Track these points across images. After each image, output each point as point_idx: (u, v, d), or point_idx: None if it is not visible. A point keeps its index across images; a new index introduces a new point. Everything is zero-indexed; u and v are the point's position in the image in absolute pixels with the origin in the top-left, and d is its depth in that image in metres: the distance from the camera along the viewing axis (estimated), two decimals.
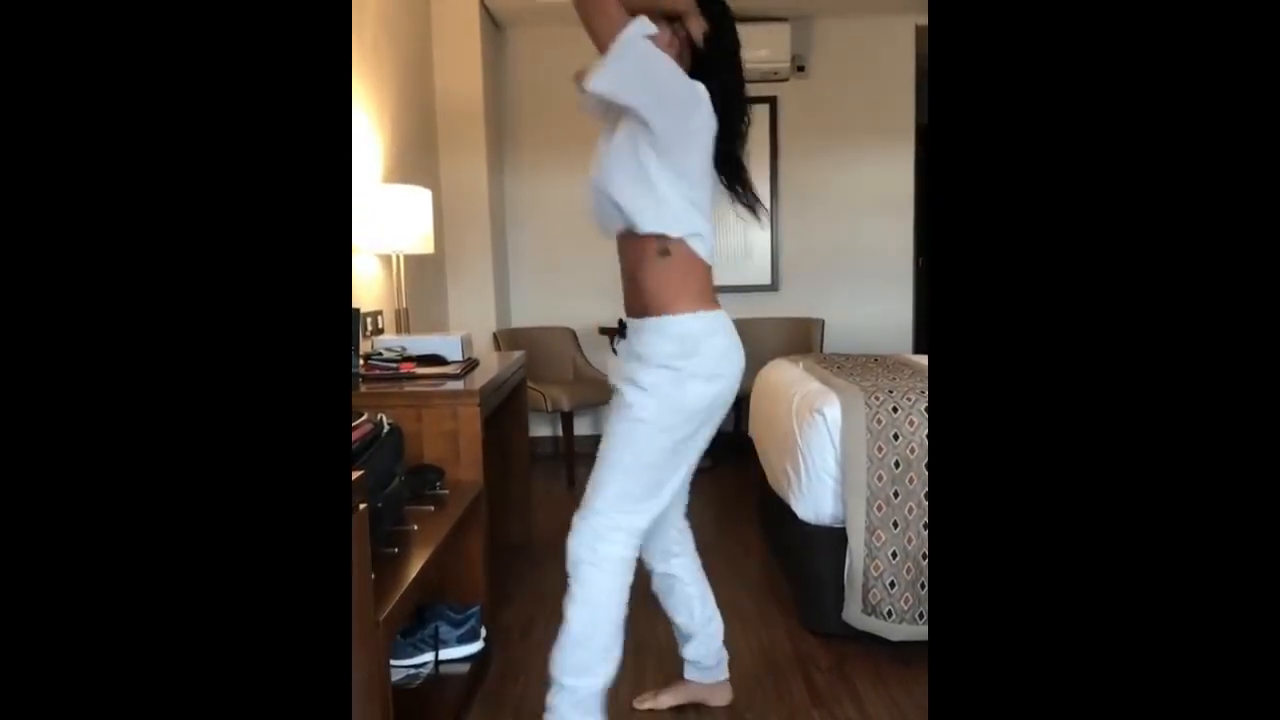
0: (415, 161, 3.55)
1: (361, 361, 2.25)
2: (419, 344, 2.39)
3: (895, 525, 2.05)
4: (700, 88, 1.47)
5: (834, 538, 2.13)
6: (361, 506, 1.24)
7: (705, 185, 1.54)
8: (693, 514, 1.80)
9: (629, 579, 1.59)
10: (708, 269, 1.57)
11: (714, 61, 1.54)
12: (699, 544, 1.85)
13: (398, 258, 2.94)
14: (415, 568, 1.54)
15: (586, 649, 1.56)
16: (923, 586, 2.05)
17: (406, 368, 2.26)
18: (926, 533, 2.05)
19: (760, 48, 4.15)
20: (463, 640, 2.00)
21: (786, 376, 2.66)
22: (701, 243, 1.53)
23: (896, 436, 2.06)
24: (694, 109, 1.46)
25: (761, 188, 4.51)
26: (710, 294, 1.58)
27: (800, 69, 4.39)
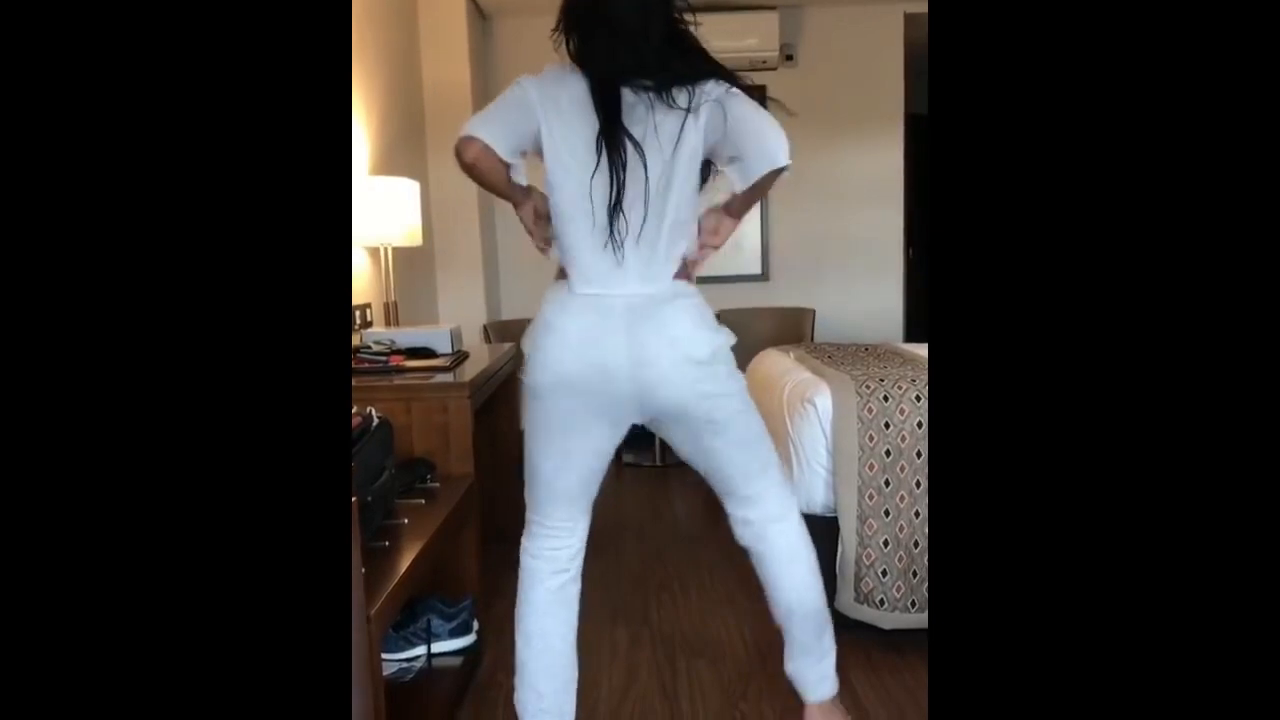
0: (403, 153, 3.52)
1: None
2: (408, 336, 2.38)
3: (887, 514, 2.06)
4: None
5: (826, 527, 2.13)
6: (351, 500, 1.23)
7: None
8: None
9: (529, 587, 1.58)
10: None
11: None
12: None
13: (386, 250, 2.92)
14: (406, 561, 1.53)
15: None
16: (915, 575, 2.06)
17: (396, 360, 2.24)
18: (918, 521, 2.05)
19: (749, 36, 4.14)
20: (455, 633, 1.99)
21: (777, 366, 2.66)
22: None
23: (888, 425, 2.06)
24: None
25: None
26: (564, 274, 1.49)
27: (789, 58, 4.37)
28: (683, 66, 1.40)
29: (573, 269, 1.46)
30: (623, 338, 1.41)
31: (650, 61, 1.38)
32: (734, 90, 1.41)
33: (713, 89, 1.40)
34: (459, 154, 1.41)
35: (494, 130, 1.41)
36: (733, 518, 1.62)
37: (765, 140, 1.40)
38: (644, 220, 1.41)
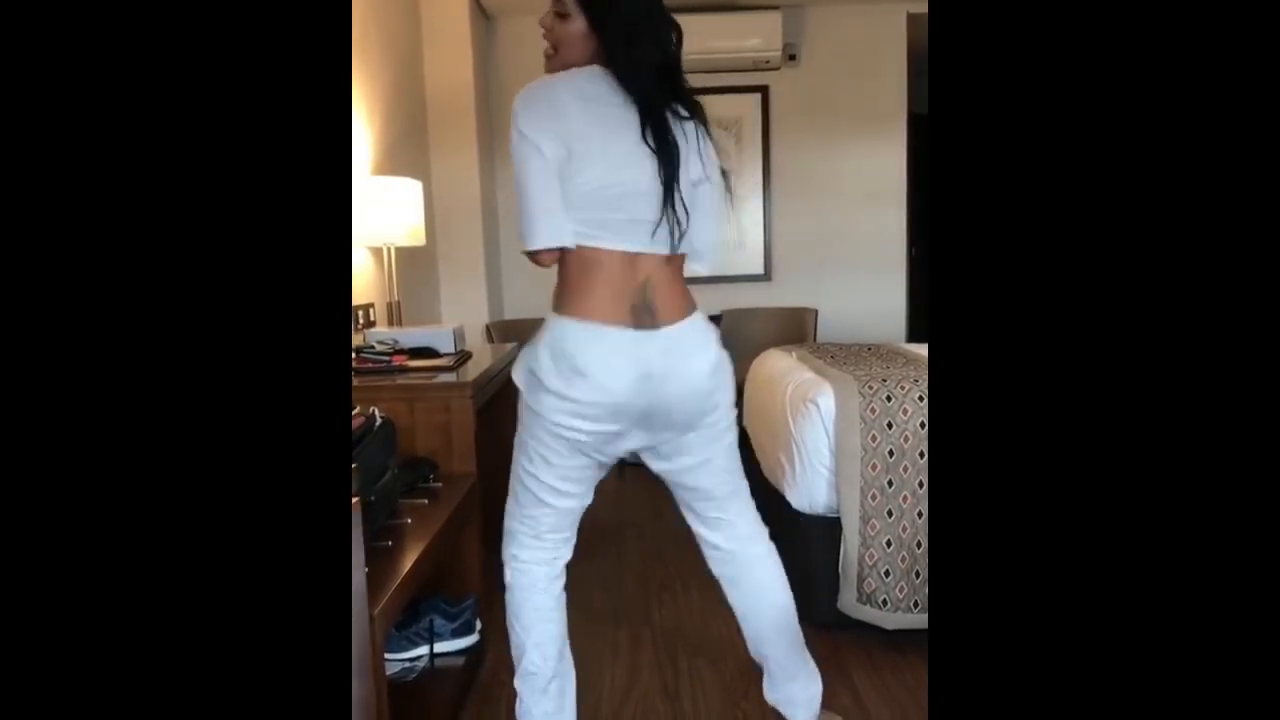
0: (406, 153, 3.52)
1: (353, 354, 2.24)
2: (411, 336, 2.38)
3: (889, 514, 2.06)
4: None
5: (828, 527, 2.13)
6: (354, 500, 1.24)
7: None
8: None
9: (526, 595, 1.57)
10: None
11: None
12: (692, 533, 1.83)
13: (389, 250, 2.93)
14: (409, 561, 1.53)
15: None
16: (917, 575, 2.06)
17: (399, 360, 2.25)
18: (921, 521, 2.05)
19: (752, 36, 4.14)
20: (458, 633, 1.99)
21: (780, 366, 2.66)
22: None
23: (890, 425, 2.06)
24: None
25: (754, 177, 4.52)
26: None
27: (792, 58, 4.37)
28: (682, 97, 1.45)
29: (594, 290, 1.40)
30: (649, 375, 1.39)
31: (673, 93, 1.43)
32: (717, 171, 1.48)
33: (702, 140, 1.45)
34: (538, 263, 1.43)
35: (552, 227, 1.37)
36: (704, 542, 1.64)
37: (712, 238, 1.49)
38: (673, 239, 1.42)
